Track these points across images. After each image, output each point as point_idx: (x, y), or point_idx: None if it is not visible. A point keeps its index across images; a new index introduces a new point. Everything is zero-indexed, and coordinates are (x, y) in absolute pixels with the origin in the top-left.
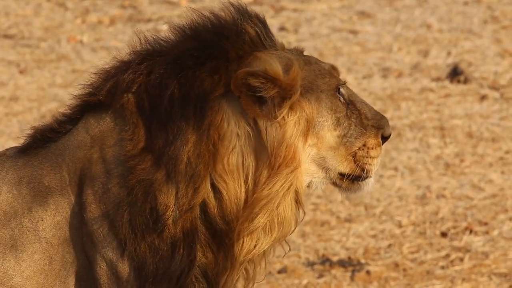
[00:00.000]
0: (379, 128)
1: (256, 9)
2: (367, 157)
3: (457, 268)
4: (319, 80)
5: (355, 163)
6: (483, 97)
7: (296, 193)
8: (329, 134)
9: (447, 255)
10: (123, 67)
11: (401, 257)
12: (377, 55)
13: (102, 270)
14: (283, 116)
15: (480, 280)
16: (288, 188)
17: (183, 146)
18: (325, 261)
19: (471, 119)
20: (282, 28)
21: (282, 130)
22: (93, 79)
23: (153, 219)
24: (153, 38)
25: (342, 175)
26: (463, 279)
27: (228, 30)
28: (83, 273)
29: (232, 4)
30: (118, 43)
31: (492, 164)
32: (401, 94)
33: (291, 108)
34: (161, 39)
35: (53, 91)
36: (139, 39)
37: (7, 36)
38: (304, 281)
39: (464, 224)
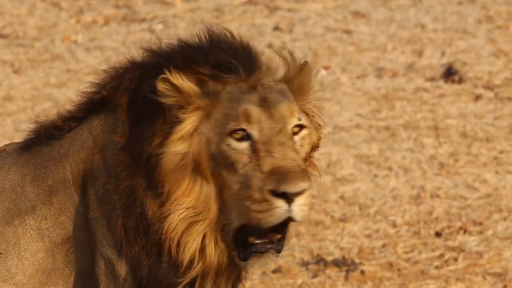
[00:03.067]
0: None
1: (251, 9)
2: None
3: (451, 268)
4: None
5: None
6: (477, 97)
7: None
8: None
9: (441, 255)
10: (132, 67)
11: (396, 257)
12: (372, 55)
13: (100, 268)
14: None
15: (474, 280)
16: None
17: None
18: (320, 260)
19: (465, 119)
20: (276, 28)
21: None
22: (101, 77)
23: (143, 224)
24: (167, 41)
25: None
26: (457, 279)
27: (195, 55)
28: (88, 273)
29: (208, 31)
30: (113, 43)
31: (486, 164)
32: (395, 94)
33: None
34: (170, 44)
35: (47, 90)
36: (157, 40)
37: (1, 36)
38: (299, 281)
39: (458, 224)
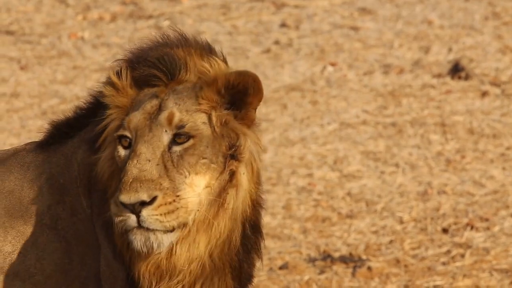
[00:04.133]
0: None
1: (258, 5)
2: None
3: (458, 264)
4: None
5: None
6: (484, 94)
7: None
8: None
9: (448, 251)
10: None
11: (402, 253)
12: (378, 52)
13: (103, 269)
14: None
15: (481, 276)
16: None
17: None
18: (327, 257)
19: (472, 116)
20: (283, 25)
21: None
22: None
23: None
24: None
25: None
26: (464, 275)
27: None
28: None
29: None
30: (119, 39)
31: (493, 160)
32: (402, 91)
33: None
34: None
35: (54, 87)
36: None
37: (8, 33)
38: (306, 277)
39: (465, 220)
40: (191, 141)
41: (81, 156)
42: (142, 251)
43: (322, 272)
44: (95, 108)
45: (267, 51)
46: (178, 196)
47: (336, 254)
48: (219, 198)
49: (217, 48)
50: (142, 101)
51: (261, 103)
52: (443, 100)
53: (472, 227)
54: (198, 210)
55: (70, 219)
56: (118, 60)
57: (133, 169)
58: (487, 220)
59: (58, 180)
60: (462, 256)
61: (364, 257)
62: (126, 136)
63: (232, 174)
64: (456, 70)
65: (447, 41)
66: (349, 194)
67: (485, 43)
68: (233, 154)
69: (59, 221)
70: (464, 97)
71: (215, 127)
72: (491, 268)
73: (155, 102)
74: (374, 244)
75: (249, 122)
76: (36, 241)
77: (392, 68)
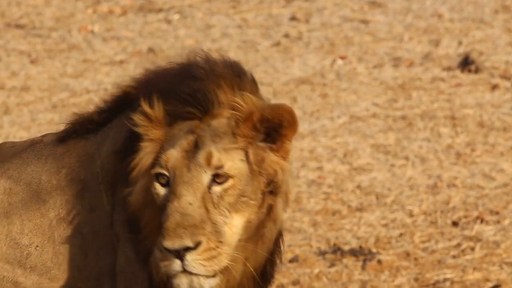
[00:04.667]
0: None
1: None
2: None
3: (468, 257)
4: None
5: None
6: (494, 87)
7: None
8: None
9: (458, 244)
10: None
11: (413, 246)
12: (388, 45)
13: (121, 266)
14: None
15: (491, 269)
16: None
17: None
18: (337, 250)
19: (482, 109)
20: (293, 18)
21: None
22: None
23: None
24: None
25: None
26: (474, 268)
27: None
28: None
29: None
30: (129, 33)
31: (503, 153)
32: (412, 84)
33: None
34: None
35: (64, 81)
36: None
37: (18, 26)
38: (316, 270)
39: (475, 213)
40: (230, 181)
41: (104, 154)
42: None
43: (332, 265)
44: (119, 105)
45: (277, 44)
46: (220, 242)
47: (346, 247)
48: (257, 232)
49: (245, 69)
50: (177, 136)
51: (271, 96)
52: (453, 93)
53: (482, 220)
54: (238, 253)
55: (88, 214)
56: (138, 80)
57: (175, 214)
58: (497, 213)
59: (78, 175)
60: (472, 249)
61: (374, 250)
62: (163, 174)
63: (270, 208)
64: (466, 63)
65: (457, 34)
66: (359, 187)
67: (495, 36)
68: (271, 190)
69: (76, 216)
70: (474, 90)
71: (253, 165)
72: (501, 261)
73: (191, 138)
74: (384, 237)
75: (285, 154)
76: (53, 235)
77: (402, 61)
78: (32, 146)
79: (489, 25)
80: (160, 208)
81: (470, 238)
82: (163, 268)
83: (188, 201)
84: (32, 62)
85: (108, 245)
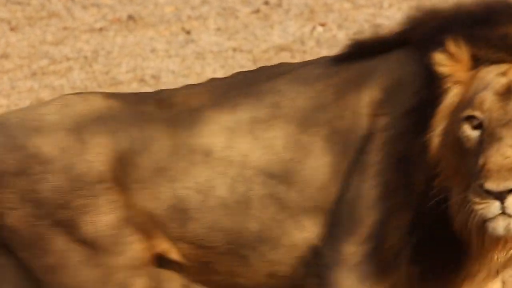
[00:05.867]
0: None
1: None
2: None
3: None
4: None
5: None
6: None
7: None
8: None
9: None
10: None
11: None
12: (368, 12)
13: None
14: None
15: None
16: None
17: None
18: None
19: None
20: None
21: None
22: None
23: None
24: None
25: None
26: None
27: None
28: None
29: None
30: (109, 0)
31: None
32: None
33: None
34: None
35: (44, 48)
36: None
37: None
38: None
39: None
40: None
41: (376, 81)
42: (500, 236)
43: None
44: (402, 39)
45: (257, 11)
46: None
47: None
48: None
49: None
50: (487, 79)
51: (251, 63)
52: None
53: None
54: None
55: (346, 135)
56: (420, 21)
57: (497, 156)
58: None
59: (344, 97)
60: None
61: None
62: (474, 117)
63: None
64: None
65: (436, 0)
66: None
67: None
68: None
69: (330, 135)
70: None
71: None
72: None
73: (503, 81)
74: None
75: None
76: (310, 152)
77: (382, 28)
78: (304, 66)
79: None
80: (464, 152)
81: None
82: (478, 211)
83: (508, 143)
84: (11, 29)
85: (415, 168)
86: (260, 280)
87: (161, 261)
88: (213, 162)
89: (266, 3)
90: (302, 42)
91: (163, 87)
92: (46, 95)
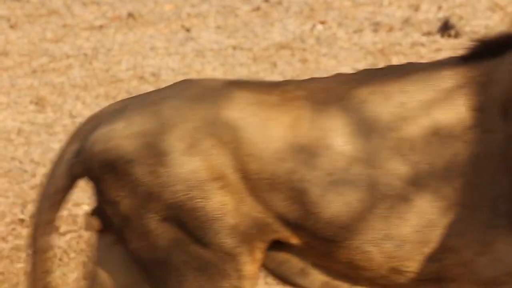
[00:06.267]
0: None
1: None
2: None
3: None
4: None
5: None
6: None
7: None
8: None
9: None
10: None
11: None
12: (368, 9)
13: None
14: None
15: None
16: None
17: None
18: None
19: None
20: None
21: None
22: None
23: None
24: None
25: None
26: None
27: None
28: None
29: None
30: None
31: None
32: (392, 49)
33: None
34: None
35: (43, 45)
36: None
37: None
38: None
39: None
40: None
41: (503, 81)
42: None
43: None
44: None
45: (257, 9)
46: None
47: None
48: None
49: None
50: None
51: (250, 61)
52: (433, 58)
53: None
54: None
55: (481, 135)
56: None
57: None
58: None
59: (475, 95)
60: None
61: None
62: None
63: None
64: (445, 28)
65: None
66: None
67: (475, 1)
68: None
69: (467, 134)
70: (454, 55)
71: None
72: None
73: None
74: None
75: None
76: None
77: (381, 26)
78: (432, 66)
79: None
80: None
81: None
82: None
83: None
84: (11, 27)
85: (502, 170)
86: (384, 274)
87: (279, 244)
88: (333, 156)
89: (266, 1)
90: (302, 40)
91: (162, 85)
92: (46, 92)
